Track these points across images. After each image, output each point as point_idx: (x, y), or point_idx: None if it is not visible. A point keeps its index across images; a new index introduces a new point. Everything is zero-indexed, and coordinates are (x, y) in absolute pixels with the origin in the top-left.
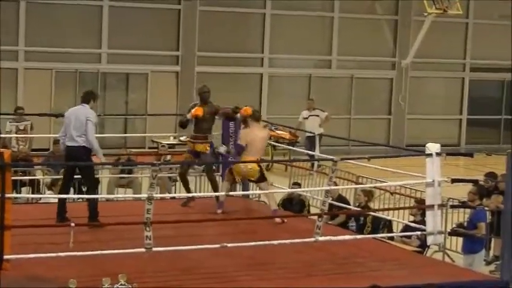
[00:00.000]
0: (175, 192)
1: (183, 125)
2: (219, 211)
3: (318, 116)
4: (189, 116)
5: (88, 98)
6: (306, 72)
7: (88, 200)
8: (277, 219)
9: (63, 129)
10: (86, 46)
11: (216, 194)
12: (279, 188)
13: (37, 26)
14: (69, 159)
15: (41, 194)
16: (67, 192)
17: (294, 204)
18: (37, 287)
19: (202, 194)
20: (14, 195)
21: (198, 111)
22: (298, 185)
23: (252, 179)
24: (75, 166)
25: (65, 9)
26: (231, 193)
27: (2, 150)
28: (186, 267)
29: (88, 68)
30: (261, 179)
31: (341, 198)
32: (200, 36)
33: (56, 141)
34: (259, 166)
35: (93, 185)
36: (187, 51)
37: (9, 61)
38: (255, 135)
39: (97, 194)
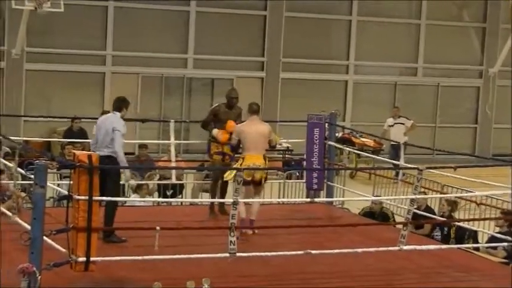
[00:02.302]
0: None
1: (205, 125)
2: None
3: (403, 124)
4: (214, 133)
5: (120, 105)
6: (391, 79)
7: (107, 206)
8: (249, 230)
9: (95, 137)
10: (172, 51)
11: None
12: (362, 195)
13: (125, 30)
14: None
15: (127, 197)
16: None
17: (376, 218)
18: None
19: (285, 199)
20: (101, 198)
21: (224, 137)
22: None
23: (261, 179)
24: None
25: (152, 14)
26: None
27: (89, 153)
28: (270, 273)
29: (174, 72)
30: (265, 180)
31: (428, 209)
32: (285, 42)
33: (141, 146)
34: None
35: (115, 194)
36: (272, 57)
37: (97, 65)
38: (250, 130)
39: (116, 205)
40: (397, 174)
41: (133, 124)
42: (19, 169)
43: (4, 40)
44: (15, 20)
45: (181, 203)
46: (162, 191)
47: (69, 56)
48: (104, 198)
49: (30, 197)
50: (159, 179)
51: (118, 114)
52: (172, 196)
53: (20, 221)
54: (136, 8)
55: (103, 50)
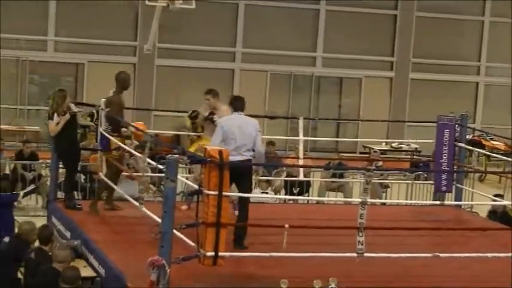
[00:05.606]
0: (385, 199)
1: None
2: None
3: None
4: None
5: (243, 105)
6: None
7: (240, 211)
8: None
9: (221, 139)
10: (302, 49)
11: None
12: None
13: (254, 28)
14: (235, 174)
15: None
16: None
17: (498, 217)
18: (249, 285)
19: (412, 201)
20: (231, 193)
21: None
22: (501, 196)
23: None
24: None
25: (282, 12)
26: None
27: (220, 148)
28: (397, 274)
29: (302, 71)
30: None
31: None
32: (416, 42)
33: (269, 143)
34: None
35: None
36: (402, 57)
37: (227, 62)
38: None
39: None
40: None
41: (261, 121)
42: (151, 161)
43: (137, 35)
44: (148, 16)
45: (308, 201)
46: (289, 188)
47: (199, 52)
48: (232, 194)
49: (160, 190)
50: (286, 176)
51: (243, 113)
52: (299, 194)
53: (149, 213)
54: (266, 6)
55: (233, 47)
